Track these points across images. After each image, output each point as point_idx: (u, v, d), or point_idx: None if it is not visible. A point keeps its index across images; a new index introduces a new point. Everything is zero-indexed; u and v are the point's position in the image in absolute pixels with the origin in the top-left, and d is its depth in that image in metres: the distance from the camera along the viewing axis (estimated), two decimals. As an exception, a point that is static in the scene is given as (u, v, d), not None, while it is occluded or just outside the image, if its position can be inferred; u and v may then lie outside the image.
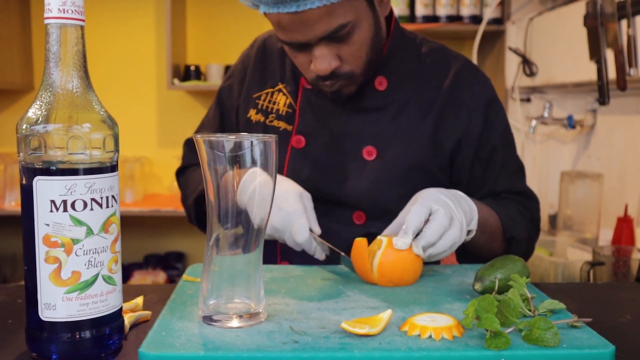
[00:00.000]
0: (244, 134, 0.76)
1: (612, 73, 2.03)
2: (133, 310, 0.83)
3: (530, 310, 0.76)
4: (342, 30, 1.01)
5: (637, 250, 1.59)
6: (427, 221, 0.93)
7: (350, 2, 1.00)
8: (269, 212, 0.76)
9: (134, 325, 0.80)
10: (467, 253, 1.12)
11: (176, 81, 2.86)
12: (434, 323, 0.71)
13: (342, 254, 1.00)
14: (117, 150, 0.71)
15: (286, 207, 1.02)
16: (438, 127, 1.15)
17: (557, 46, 2.41)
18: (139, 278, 3.05)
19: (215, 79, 3.00)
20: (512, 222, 1.12)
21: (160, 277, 3.10)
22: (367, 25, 1.05)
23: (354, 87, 1.12)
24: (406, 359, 0.65)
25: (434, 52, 1.21)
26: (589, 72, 2.12)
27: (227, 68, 3.01)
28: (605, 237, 2.07)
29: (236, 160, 0.72)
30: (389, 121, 1.16)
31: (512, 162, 1.23)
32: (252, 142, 0.72)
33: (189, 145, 1.36)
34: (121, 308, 0.73)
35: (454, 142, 1.15)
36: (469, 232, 1.01)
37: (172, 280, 3.20)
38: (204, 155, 0.73)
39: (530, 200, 1.22)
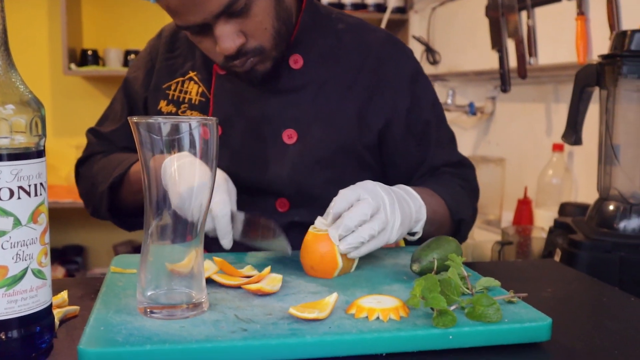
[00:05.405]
0: (182, 116, 0.72)
1: (512, 62, 2.13)
2: (60, 306, 0.77)
3: (468, 289, 0.78)
4: (238, 3, 0.96)
5: (541, 229, 1.69)
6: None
7: None
8: (209, 199, 0.73)
9: (63, 321, 0.75)
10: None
11: (73, 66, 2.72)
12: (379, 305, 0.71)
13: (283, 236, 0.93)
14: (44, 134, 0.66)
15: None
16: (363, 107, 1.13)
17: (459, 35, 2.49)
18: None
19: (114, 64, 2.87)
20: (458, 203, 1.12)
21: (59, 272, 2.95)
22: None
23: (268, 63, 1.07)
24: (358, 341, 0.65)
25: (352, 29, 1.17)
26: (490, 61, 2.22)
27: (127, 53, 2.89)
28: (507, 218, 2.18)
29: (173, 144, 0.69)
30: (309, 102, 1.12)
31: (445, 133, 1.22)
32: (190, 124, 0.69)
33: (95, 134, 1.28)
34: (51, 304, 0.68)
35: (382, 121, 1.13)
36: (414, 233, 1.00)
37: (71, 275, 3.05)
38: (138, 140, 0.69)
39: (467, 169, 1.23)
